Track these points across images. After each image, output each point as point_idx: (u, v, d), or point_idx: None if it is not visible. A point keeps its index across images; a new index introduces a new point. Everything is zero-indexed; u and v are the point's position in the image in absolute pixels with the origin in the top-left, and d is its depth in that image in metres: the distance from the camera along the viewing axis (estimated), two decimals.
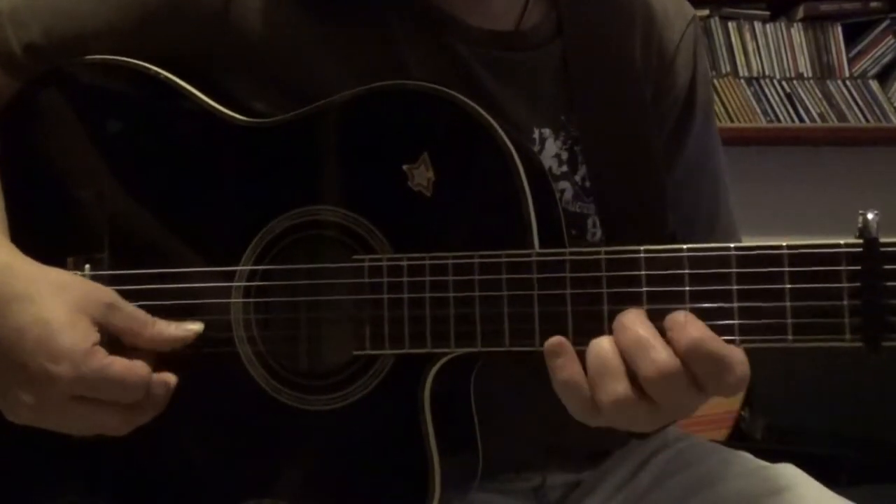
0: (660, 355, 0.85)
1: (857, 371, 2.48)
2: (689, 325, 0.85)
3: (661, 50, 1.18)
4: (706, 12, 3.11)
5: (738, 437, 2.58)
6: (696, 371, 0.85)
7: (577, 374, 0.88)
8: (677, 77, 1.19)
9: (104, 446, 1.00)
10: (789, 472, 1.14)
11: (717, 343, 0.85)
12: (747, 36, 3.17)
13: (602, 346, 0.87)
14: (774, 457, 1.18)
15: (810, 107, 3.14)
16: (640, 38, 1.17)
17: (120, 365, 0.95)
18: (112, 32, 1.09)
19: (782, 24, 3.19)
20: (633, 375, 0.86)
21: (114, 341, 0.98)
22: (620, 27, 1.16)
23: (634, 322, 0.86)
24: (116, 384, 0.95)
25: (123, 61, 1.08)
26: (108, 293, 0.99)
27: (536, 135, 1.10)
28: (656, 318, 0.87)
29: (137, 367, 0.96)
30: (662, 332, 0.86)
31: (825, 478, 1.14)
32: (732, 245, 0.87)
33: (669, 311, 0.87)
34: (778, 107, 3.14)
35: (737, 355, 0.85)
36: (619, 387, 0.86)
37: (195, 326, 1.01)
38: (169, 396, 1.00)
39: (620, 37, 1.15)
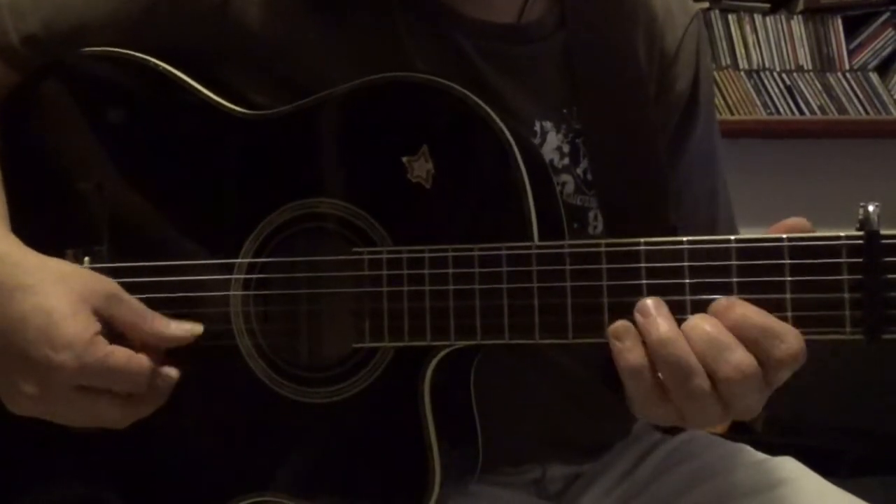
0: (736, 355, 0.84)
1: (858, 364, 2.48)
2: (735, 305, 0.85)
3: (664, 46, 1.18)
4: (706, 5, 3.10)
5: (739, 430, 2.57)
6: (749, 348, 0.84)
7: (642, 358, 0.86)
8: (680, 74, 1.19)
9: (106, 438, 1.00)
10: (789, 465, 1.14)
11: (764, 316, 0.84)
12: (747, 28, 3.17)
13: (681, 347, 0.84)
14: (775, 449, 1.18)
15: (810, 99, 3.14)
16: (642, 33, 1.16)
17: (122, 354, 0.95)
18: (112, 25, 1.09)
19: (782, 17, 3.18)
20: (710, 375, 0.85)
21: (115, 334, 0.98)
22: (623, 22, 1.15)
23: (705, 322, 0.85)
24: (118, 373, 0.95)
25: (123, 53, 1.08)
26: (110, 284, 0.99)
27: (538, 127, 1.10)
28: None
29: (139, 358, 0.96)
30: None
31: (825, 470, 1.14)
32: (733, 237, 0.87)
33: (670, 303, 0.87)
34: (778, 99, 3.13)
35: (787, 327, 0.85)
36: (702, 383, 0.84)
37: (195, 327, 1.01)
38: (170, 389, 1.00)
39: (623, 32, 1.15)
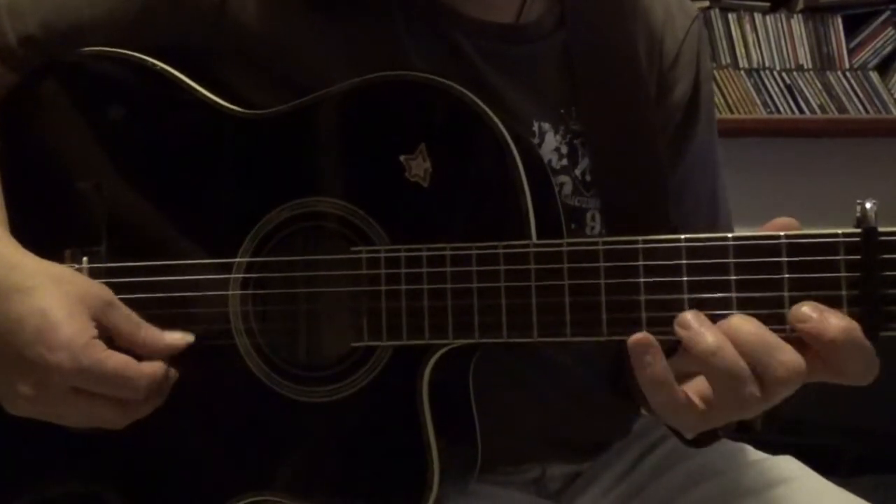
0: (787, 354, 0.83)
1: None
2: (833, 315, 0.83)
3: (665, 48, 1.18)
4: (706, 3, 3.10)
5: (738, 429, 2.57)
6: (843, 359, 0.84)
7: (665, 370, 0.85)
8: (681, 76, 1.19)
9: (105, 437, 1.00)
10: (789, 464, 1.14)
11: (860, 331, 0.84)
12: (747, 27, 3.16)
13: (731, 354, 0.84)
14: (774, 448, 1.18)
15: (810, 98, 3.14)
16: (643, 34, 1.16)
17: (118, 359, 0.95)
18: (110, 24, 1.09)
19: (782, 16, 3.18)
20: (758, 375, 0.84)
21: (109, 340, 0.97)
22: (623, 23, 1.15)
23: (748, 323, 0.84)
24: (114, 379, 0.95)
25: (121, 53, 1.08)
26: (107, 291, 0.99)
27: (536, 128, 1.09)
28: (657, 309, 0.87)
29: (136, 365, 0.96)
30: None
31: (825, 469, 1.14)
32: (731, 235, 0.87)
33: (668, 301, 0.87)
34: (778, 98, 3.13)
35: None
36: (754, 388, 0.84)
37: (186, 337, 1.01)
38: (168, 390, 1.00)
39: (623, 32, 1.15)
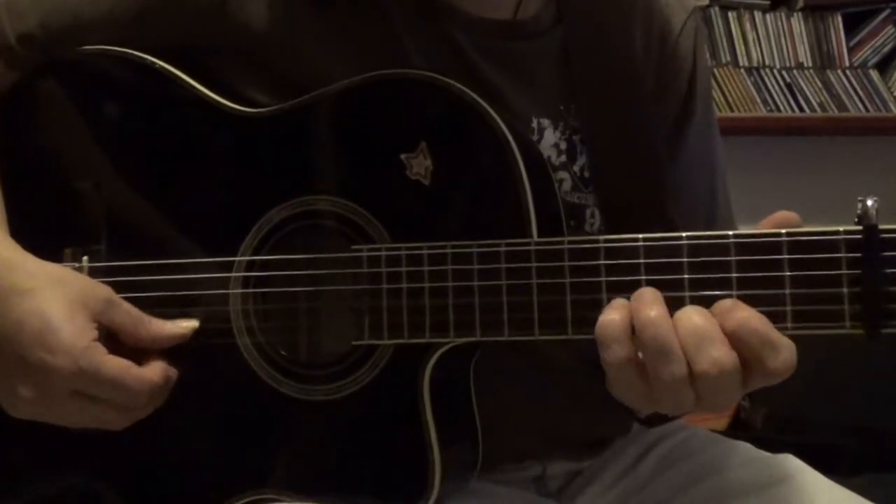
0: (718, 351, 0.84)
1: (858, 360, 2.48)
2: (737, 308, 0.85)
3: (662, 42, 1.18)
4: (706, 2, 3.10)
5: (739, 427, 2.58)
6: (743, 352, 0.84)
7: (632, 354, 0.87)
8: (678, 69, 1.19)
9: (105, 436, 1.00)
10: (790, 463, 1.14)
11: (764, 324, 0.84)
12: (747, 25, 3.17)
13: (665, 330, 0.85)
14: (774, 446, 1.18)
15: (810, 96, 3.14)
16: (640, 29, 1.16)
17: (118, 365, 0.95)
18: (109, 23, 1.09)
19: (782, 14, 3.18)
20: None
21: (112, 339, 0.98)
22: (620, 18, 1.15)
23: (697, 314, 0.85)
24: (113, 384, 0.95)
25: (121, 52, 1.08)
26: (106, 290, 0.99)
27: (535, 124, 1.09)
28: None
29: (137, 371, 0.96)
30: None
31: (825, 467, 1.14)
32: (731, 233, 0.87)
33: (669, 299, 0.87)
34: (778, 96, 3.13)
35: (785, 340, 0.85)
36: (678, 369, 0.84)
37: (190, 324, 1.01)
38: (168, 391, 1.00)
39: (620, 27, 1.15)
